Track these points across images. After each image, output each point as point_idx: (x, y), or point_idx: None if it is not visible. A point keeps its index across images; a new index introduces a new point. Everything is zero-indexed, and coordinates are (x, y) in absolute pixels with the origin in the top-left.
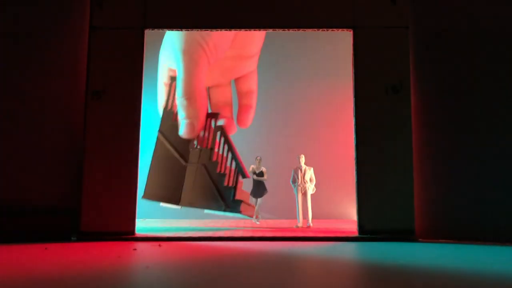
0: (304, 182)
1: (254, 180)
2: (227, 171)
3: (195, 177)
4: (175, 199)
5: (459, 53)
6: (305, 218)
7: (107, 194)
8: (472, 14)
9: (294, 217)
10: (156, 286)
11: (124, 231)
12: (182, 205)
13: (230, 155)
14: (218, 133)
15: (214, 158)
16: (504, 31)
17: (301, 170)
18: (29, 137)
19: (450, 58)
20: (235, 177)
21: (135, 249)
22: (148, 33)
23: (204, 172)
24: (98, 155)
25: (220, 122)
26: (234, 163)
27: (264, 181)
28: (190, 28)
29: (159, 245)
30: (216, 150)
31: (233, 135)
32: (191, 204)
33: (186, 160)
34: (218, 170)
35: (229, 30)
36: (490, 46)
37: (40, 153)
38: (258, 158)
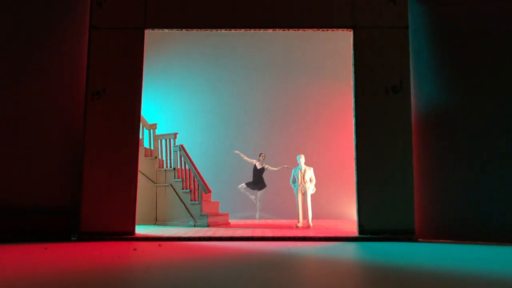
0: (304, 182)
1: (253, 175)
2: (191, 188)
3: (165, 196)
4: (151, 219)
5: (459, 53)
6: (305, 218)
7: (107, 194)
8: (472, 13)
9: (294, 217)
10: (156, 286)
11: (124, 231)
12: (158, 224)
13: (191, 172)
14: (178, 152)
15: (178, 177)
16: (505, 31)
17: (301, 170)
18: (29, 137)
19: (450, 58)
20: (199, 192)
21: (135, 249)
22: (148, 33)
23: (172, 191)
24: (98, 155)
25: None
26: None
27: (263, 177)
28: (190, 28)
29: (159, 245)
30: (178, 168)
31: (233, 135)
32: (165, 222)
33: (154, 182)
34: (183, 188)
35: (229, 30)
36: (490, 46)
37: (40, 153)
38: (263, 155)
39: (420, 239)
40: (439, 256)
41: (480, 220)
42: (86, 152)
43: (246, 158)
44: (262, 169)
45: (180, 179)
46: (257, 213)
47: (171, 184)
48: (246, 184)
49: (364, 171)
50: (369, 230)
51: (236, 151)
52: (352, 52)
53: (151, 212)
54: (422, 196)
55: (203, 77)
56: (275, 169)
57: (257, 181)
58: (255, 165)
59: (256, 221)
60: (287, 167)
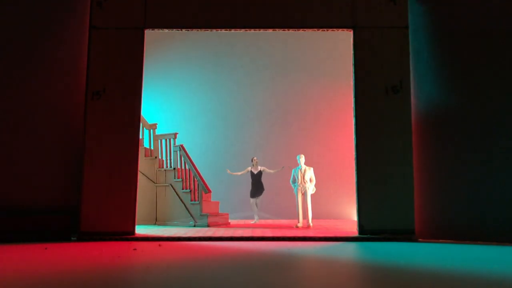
0: (304, 182)
1: (252, 181)
2: (191, 187)
3: (165, 196)
4: (151, 219)
5: (459, 53)
6: (305, 218)
7: (107, 194)
8: (472, 13)
9: (294, 217)
10: (156, 286)
11: (124, 231)
12: (158, 224)
13: (191, 172)
14: (178, 152)
15: (178, 177)
16: (505, 31)
17: (301, 170)
18: (29, 137)
19: (450, 58)
20: (199, 192)
21: (135, 249)
22: (148, 33)
23: (172, 191)
24: (98, 155)
25: None
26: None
27: (262, 181)
28: (190, 28)
29: (159, 245)
30: (178, 168)
31: (233, 135)
32: (165, 222)
33: (154, 182)
34: (183, 188)
35: (229, 30)
36: (490, 46)
37: (40, 153)
38: (255, 159)
39: (420, 239)
40: (439, 256)
41: (480, 220)
42: (86, 152)
43: (239, 173)
44: (260, 173)
45: (180, 179)
46: (255, 215)
47: (171, 184)
48: (250, 196)
49: (364, 171)
50: (369, 230)
51: (228, 171)
52: (352, 52)
53: (151, 212)
54: (422, 196)
55: (203, 77)
56: (272, 171)
57: (257, 186)
58: (251, 171)
59: (255, 221)
60: (283, 168)
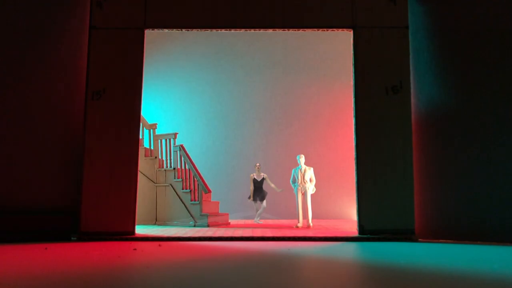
0: (304, 182)
1: (255, 187)
2: (191, 187)
3: (165, 196)
4: (151, 219)
5: (459, 53)
6: (305, 218)
7: (107, 194)
8: (472, 13)
9: (294, 217)
10: (156, 286)
11: (124, 231)
12: (158, 224)
13: (191, 172)
14: (178, 152)
15: (178, 177)
16: (505, 31)
17: (301, 170)
18: (29, 137)
19: (450, 58)
20: (199, 192)
21: (135, 249)
22: (148, 33)
23: (172, 191)
24: (98, 155)
25: None
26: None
27: (263, 188)
28: (190, 28)
29: (159, 245)
30: (178, 168)
31: (233, 135)
32: (165, 222)
33: (154, 181)
34: (183, 188)
35: (229, 30)
36: (491, 45)
37: (40, 153)
38: (258, 165)
39: (420, 239)
40: (439, 256)
41: (480, 220)
42: (86, 152)
43: (251, 187)
44: (263, 180)
45: (180, 179)
46: (256, 218)
47: (171, 184)
48: (252, 196)
49: (364, 171)
50: (369, 230)
51: (249, 199)
52: (352, 52)
53: (151, 212)
54: (422, 196)
55: (203, 77)
56: (272, 185)
57: (259, 191)
58: (254, 178)
59: (259, 222)
60: (282, 190)
